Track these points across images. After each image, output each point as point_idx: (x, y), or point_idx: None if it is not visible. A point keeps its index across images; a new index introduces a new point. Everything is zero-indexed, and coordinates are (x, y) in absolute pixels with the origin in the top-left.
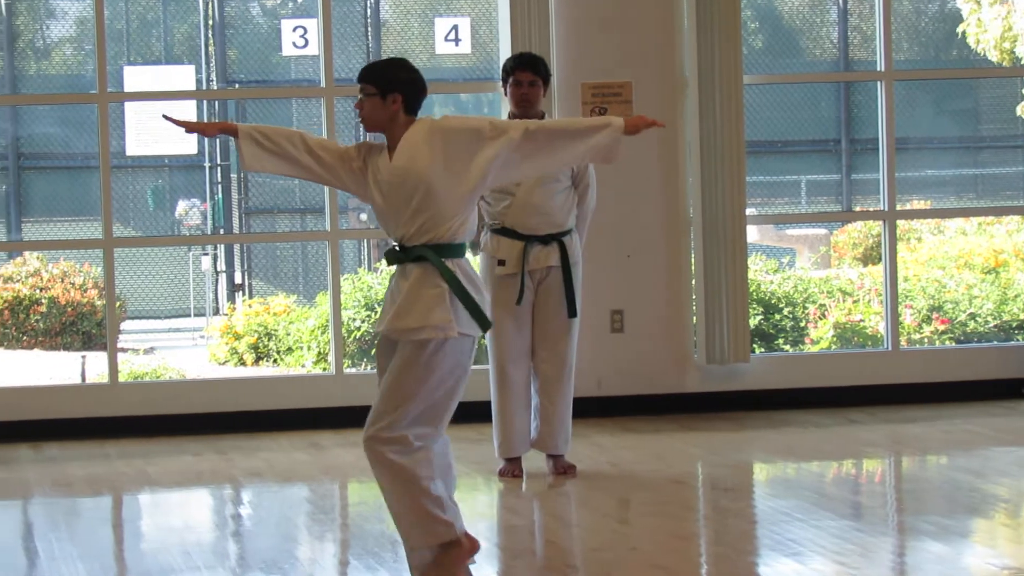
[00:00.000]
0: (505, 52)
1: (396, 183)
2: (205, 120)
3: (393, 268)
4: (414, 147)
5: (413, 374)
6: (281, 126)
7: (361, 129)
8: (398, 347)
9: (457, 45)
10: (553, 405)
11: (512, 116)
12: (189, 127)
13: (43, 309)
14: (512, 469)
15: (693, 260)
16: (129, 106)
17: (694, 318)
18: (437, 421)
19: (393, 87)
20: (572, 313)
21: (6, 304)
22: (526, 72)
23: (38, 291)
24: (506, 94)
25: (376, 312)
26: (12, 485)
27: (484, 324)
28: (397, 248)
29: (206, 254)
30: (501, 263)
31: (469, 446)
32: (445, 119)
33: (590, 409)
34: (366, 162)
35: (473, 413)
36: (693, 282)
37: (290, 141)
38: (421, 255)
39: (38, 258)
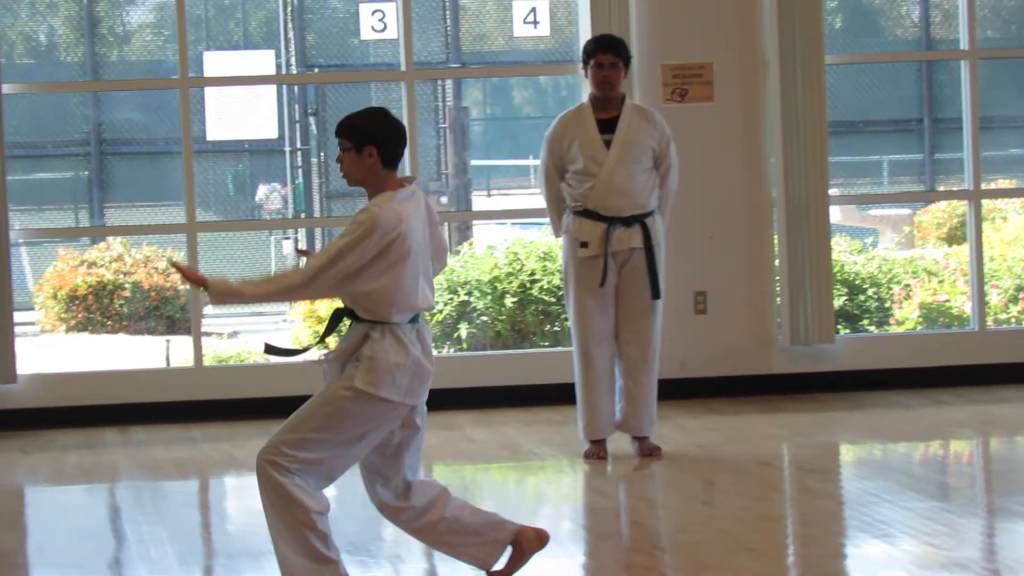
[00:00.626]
0: (585, 34)
1: None
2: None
3: None
4: None
5: (323, 410)
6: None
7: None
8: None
9: (536, 27)
10: (638, 387)
11: (593, 98)
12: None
13: (127, 294)
14: (597, 451)
15: (776, 241)
16: (209, 91)
17: (778, 299)
18: (323, 464)
19: (367, 140)
20: (656, 294)
21: (90, 289)
22: (607, 54)
23: (122, 276)
24: (587, 76)
25: (459, 295)
26: (100, 469)
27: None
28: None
29: (287, 238)
30: (584, 245)
31: (554, 428)
32: (362, 214)
33: (674, 391)
34: None
35: (558, 395)
36: (777, 263)
37: None
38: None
39: (121, 243)
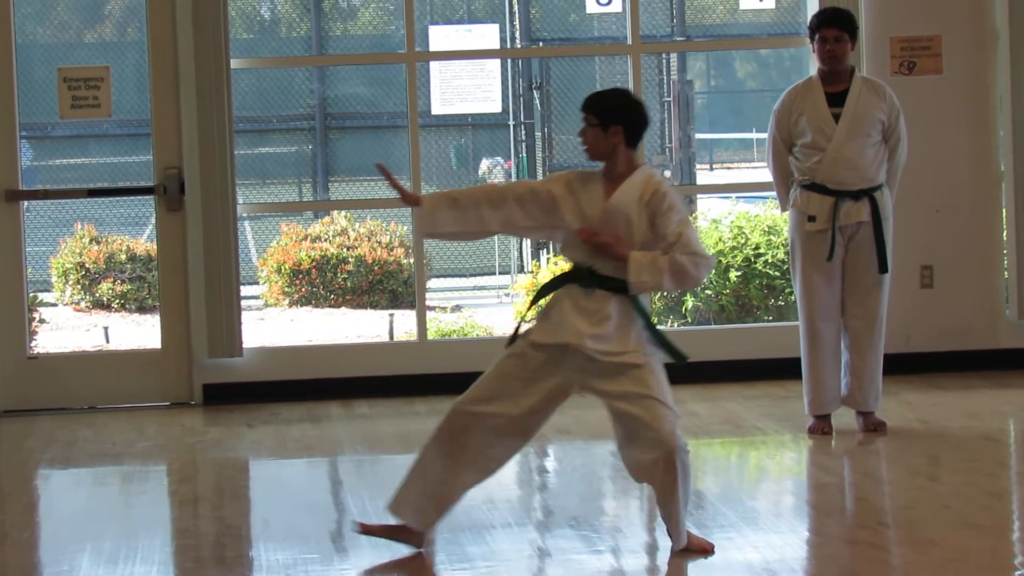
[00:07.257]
0: (812, 5)
1: (604, 220)
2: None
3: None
4: (629, 194)
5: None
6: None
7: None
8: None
9: (761, 0)
10: (863, 361)
11: (821, 73)
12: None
13: (350, 268)
14: (822, 426)
15: (1004, 215)
16: (434, 65)
17: (1006, 273)
18: None
19: (614, 119)
20: (883, 268)
21: (314, 263)
22: (831, 28)
23: (345, 250)
24: (813, 50)
25: None
26: (323, 442)
27: None
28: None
29: None
30: (811, 219)
31: (777, 403)
32: (663, 185)
33: (899, 365)
34: (569, 189)
35: (781, 370)
36: (1004, 237)
37: (485, 196)
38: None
39: (345, 217)
